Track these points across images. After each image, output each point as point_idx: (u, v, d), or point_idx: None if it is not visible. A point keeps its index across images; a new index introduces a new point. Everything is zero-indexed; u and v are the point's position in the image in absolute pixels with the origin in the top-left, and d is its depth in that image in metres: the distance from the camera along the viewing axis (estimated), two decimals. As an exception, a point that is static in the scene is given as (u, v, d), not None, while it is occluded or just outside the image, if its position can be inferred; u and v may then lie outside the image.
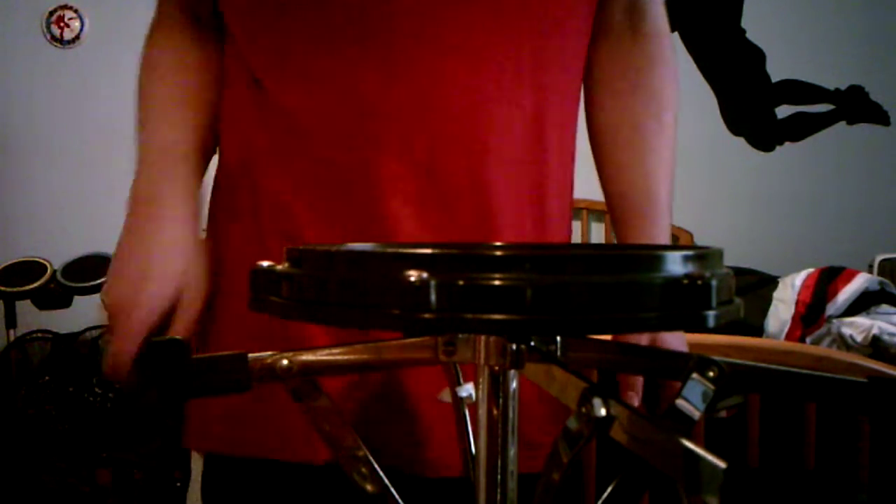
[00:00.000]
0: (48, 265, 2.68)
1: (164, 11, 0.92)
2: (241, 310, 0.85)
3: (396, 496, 0.58)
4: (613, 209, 0.92)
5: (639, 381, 0.86)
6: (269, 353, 0.54)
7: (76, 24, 3.17)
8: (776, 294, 2.27)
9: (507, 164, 0.82)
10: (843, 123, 3.21)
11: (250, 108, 0.84)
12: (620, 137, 0.92)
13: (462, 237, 0.80)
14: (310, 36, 0.80)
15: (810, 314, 2.17)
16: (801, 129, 3.21)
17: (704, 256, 0.45)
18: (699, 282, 0.42)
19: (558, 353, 0.55)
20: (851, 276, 2.22)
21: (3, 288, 2.65)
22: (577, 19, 0.87)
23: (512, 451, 0.51)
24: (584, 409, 0.41)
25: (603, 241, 3.07)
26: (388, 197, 0.79)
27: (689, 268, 0.44)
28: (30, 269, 2.68)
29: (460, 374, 0.63)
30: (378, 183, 0.79)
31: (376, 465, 0.58)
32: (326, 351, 0.57)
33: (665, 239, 0.90)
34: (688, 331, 0.81)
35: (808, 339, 2.14)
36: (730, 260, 0.50)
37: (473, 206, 0.81)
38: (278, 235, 0.82)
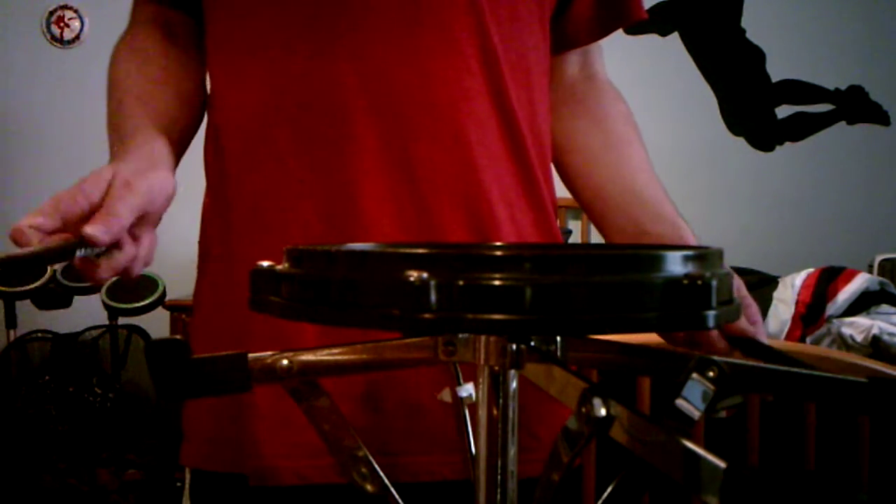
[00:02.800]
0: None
1: (136, 21, 0.92)
2: (210, 310, 0.86)
3: (396, 496, 0.58)
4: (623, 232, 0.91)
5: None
6: (269, 353, 0.54)
7: (76, 24, 3.17)
8: (776, 294, 2.27)
9: (487, 160, 0.82)
10: (843, 123, 3.21)
11: (227, 108, 0.84)
12: (597, 159, 0.93)
13: (439, 236, 0.80)
14: (286, 31, 0.80)
15: (810, 314, 2.17)
16: (801, 129, 3.21)
17: (704, 256, 0.45)
18: (699, 282, 0.42)
19: (558, 353, 0.55)
20: (851, 276, 2.22)
21: (3, 288, 2.65)
22: (540, 21, 0.88)
23: (512, 452, 0.51)
24: (584, 409, 0.41)
25: (603, 240, 3.06)
26: (364, 195, 0.79)
27: (689, 268, 0.44)
28: (30, 269, 2.68)
29: (460, 374, 0.63)
30: (353, 181, 0.79)
31: (376, 465, 0.58)
32: (326, 351, 0.57)
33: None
34: (688, 330, 0.81)
35: (808, 339, 2.14)
36: (730, 260, 0.50)
37: (452, 203, 0.80)
38: (246, 239, 0.82)
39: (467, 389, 0.62)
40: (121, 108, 0.83)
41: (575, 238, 3.06)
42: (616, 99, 0.97)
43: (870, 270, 2.68)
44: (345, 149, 0.79)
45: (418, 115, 0.79)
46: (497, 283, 0.41)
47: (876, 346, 1.98)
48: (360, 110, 0.78)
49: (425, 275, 0.41)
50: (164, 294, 2.61)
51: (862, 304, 2.15)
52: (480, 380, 0.51)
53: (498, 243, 0.78)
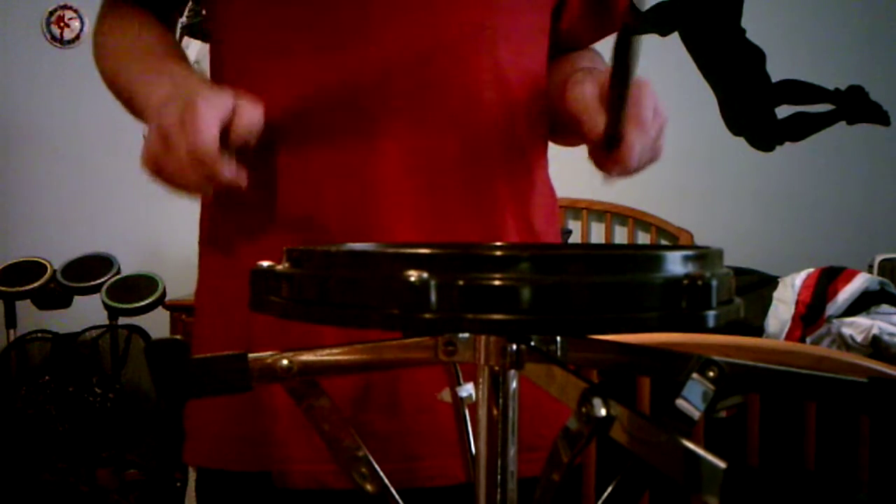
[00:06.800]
0: (48, 265, 2.68)
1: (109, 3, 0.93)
2: (213, 311, 0.86)
3: (396, 496, 0.57)
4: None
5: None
6: (269, 353, 0.54)
7: (76, 24, 3.18)
8: (776, 294, 2.27)
9: (497, 164, 0.83)
10: (843, 123, 3.21)
11: None
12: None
13: (457, 234, 0.81)
14: (306, 34, 0.80)
15: (810, 314, 2.17)
16: (801, 129, 3.21)
17: (704, 256, 0.45)
18: (699, 282, 0.42)
19: (558, 353, 0.55)
20: (851, 276, 2.22)
21: (3, 288, 2.65)
22: (542, 30, 0.89)
23: (512, 452, 0.51)
24: (584, 409, 0.41)
25: (603, 241, 3.07)
26: (383, 199, 0.79)
27: (689, 268, 0.44)
28: (30, 269, 2.68)
29: (460, 374, 0.63)
30: (372, 185, 0.79)
31: (376, 466, 0.58)
32: (326, 351, 0.57)
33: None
34: (688, 331, 0.81)
35: (808, 339, 2.14)
36: (730, 260, 0.50)
37: (466, 207, 0.81)
38: (251, 243, 0.82)
39: (467, 389, 0.62)
40: (125, 77, 0.86)
41: (575, 238, 3.06)
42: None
43: (870, 270, 2.68)
44: (364, 151, 0.79)
45: (439, 121, 0.80)
46: (497, 283, 0.41)
47: (876, 346, 1.98)
48: (381, 112, 0.79)
49: (425, 275, 0.41)
50: (164, 294, 2.61)
51: (862, 304, 2.15)
52: (480, 380, 0.51)
53: (498, 243, 0.78)
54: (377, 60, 0.79)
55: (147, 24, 0.90)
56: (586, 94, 0.75)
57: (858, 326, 2.02)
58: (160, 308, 2.61)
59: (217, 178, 0.71)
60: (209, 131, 0.69)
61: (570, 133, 0.87)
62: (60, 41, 3.17)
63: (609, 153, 0.72)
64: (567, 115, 0.78)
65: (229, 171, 0.71)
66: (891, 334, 1.97)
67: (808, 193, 3.20)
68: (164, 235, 3.07)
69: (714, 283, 0.42)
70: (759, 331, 2.19)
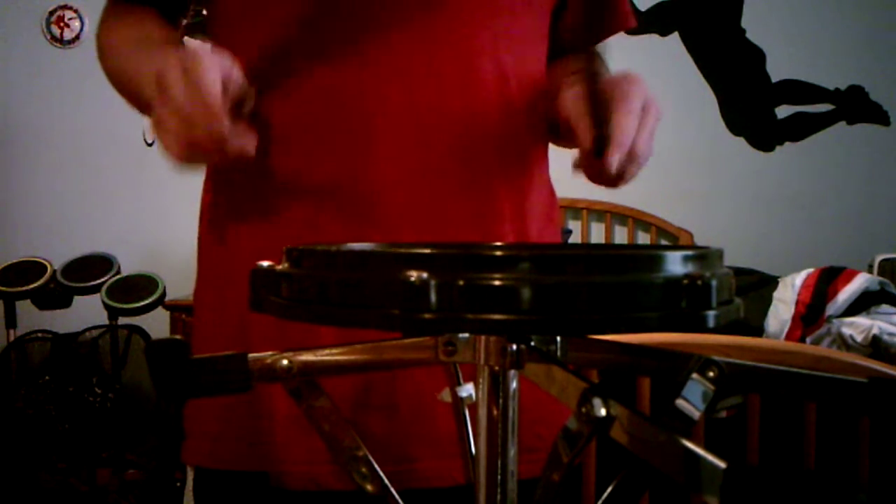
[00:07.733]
0: (48, 265, 2.68)
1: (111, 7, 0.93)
2: (213, 311, 0.86)
3: (396, 496, 0.57)
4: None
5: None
6: (269, 353, 0.54)
7: (76, 24, 3.18)
8: (776, 294, 2.27)
9: (499, 165, 0.83)
10: (843, 123, 3.21)
11: None
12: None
13: (457, 239, 0.81)
14: (309, 46, 0.80)
15: (810, 314, 2.17)
16: (801, 129, 3.21)
17: (704, 256, 0.45)
18: (699, 282, 0.42)
19: (558, 353, 0.55)
20: (851, 276, 2.22)
21: (3, 288, 2.65)
22: (541, 19, 0.89)
23: (512, 452, 0.51)
24: (584, 410, 0.41)
25: (603, 241, 3.07)
26: (382, 201, 0.79)
27: (689, 268, 0.44)
28: (30, 269, 2.68)
29: (460, 374, 0.63)
30: (372, 186, 0.79)
31: (376, 466, 0.58)
32: (326, 351, 0.57)
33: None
34: (688, 331, 0.81)
35: (808, 339, 2.14)
36: (730, 260, 0.50)
37: (465, 211, 0.82)
38: (251, 243, 0.82)
39: (467, 389, 0.62)
40: (130, 67, 0.86)
41: (575, 238, 3.06)
42: None
43: (870, 270, 2.68)
44: (363, 152, 0.79)
45: (436, 123, 0.80)
46: (497, 282, 0.41)
47: (876, 346, 1.98)
48: (380, 113, 0.79)
49: (425, 275, 0.41)
50: (164, 294, 2.61)
51: (862, 304, 2.15)
52: (480, 380, 0.51)
53: (498, 243, 0.78)
54: (377, 61, 0.79)
55: (152, 21, 0.90)
56: (574, 98, 0.76)
57: (858, 326, 2.02)
58: (160, 308, 2.61)
59: (220, 118, 0.67)
60: (212, 74, 0.67)
61: (564, 137, 0.88)
62: (60, 41, 3.17)
63: (597, 158, 0.74)
64: (557, 119, 0.79)
65: (233, 130, 0.68)
66: (891, 334, 1.97)
67: (808, 193, 3.20)
68: (164, 235, 3.07)
69: (714, 283, 0.42)
70: (759, 331, 2.19)
